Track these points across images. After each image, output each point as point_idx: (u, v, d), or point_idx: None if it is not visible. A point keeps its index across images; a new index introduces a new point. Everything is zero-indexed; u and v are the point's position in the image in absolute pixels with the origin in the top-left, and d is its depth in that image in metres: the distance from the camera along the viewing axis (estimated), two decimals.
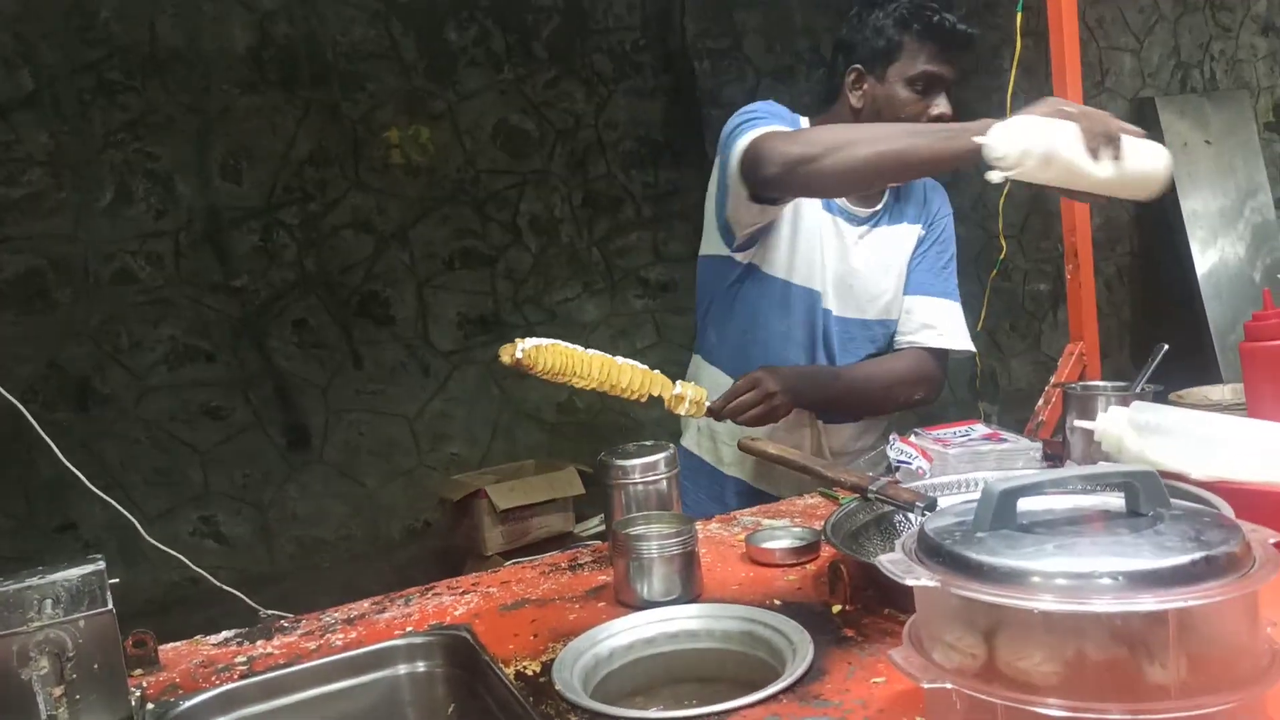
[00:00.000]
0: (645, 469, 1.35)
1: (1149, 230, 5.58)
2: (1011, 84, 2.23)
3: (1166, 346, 1.49)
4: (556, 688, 0.98)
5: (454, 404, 3.98)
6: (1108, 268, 5.55)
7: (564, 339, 1.37)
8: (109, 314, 3.48)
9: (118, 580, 1.03)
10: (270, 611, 1.47)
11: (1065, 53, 1.81)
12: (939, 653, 0.76)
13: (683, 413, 1.48)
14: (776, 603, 1.16)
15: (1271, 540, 0.73)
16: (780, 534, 1.39)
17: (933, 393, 1.72)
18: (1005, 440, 1.53)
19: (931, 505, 1.19)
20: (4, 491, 3.32)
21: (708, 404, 1.51)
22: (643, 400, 1.45)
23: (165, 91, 3.49)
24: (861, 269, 1.71)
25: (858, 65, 1.65)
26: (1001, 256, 2.24)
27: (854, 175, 1.40)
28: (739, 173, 1.54)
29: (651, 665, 1.13)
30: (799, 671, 0.95)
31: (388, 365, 3.88)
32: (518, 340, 1.35)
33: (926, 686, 0.74)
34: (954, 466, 1.48)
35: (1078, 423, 1.36)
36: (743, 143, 1.52)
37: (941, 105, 1.61)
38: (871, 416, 1.74)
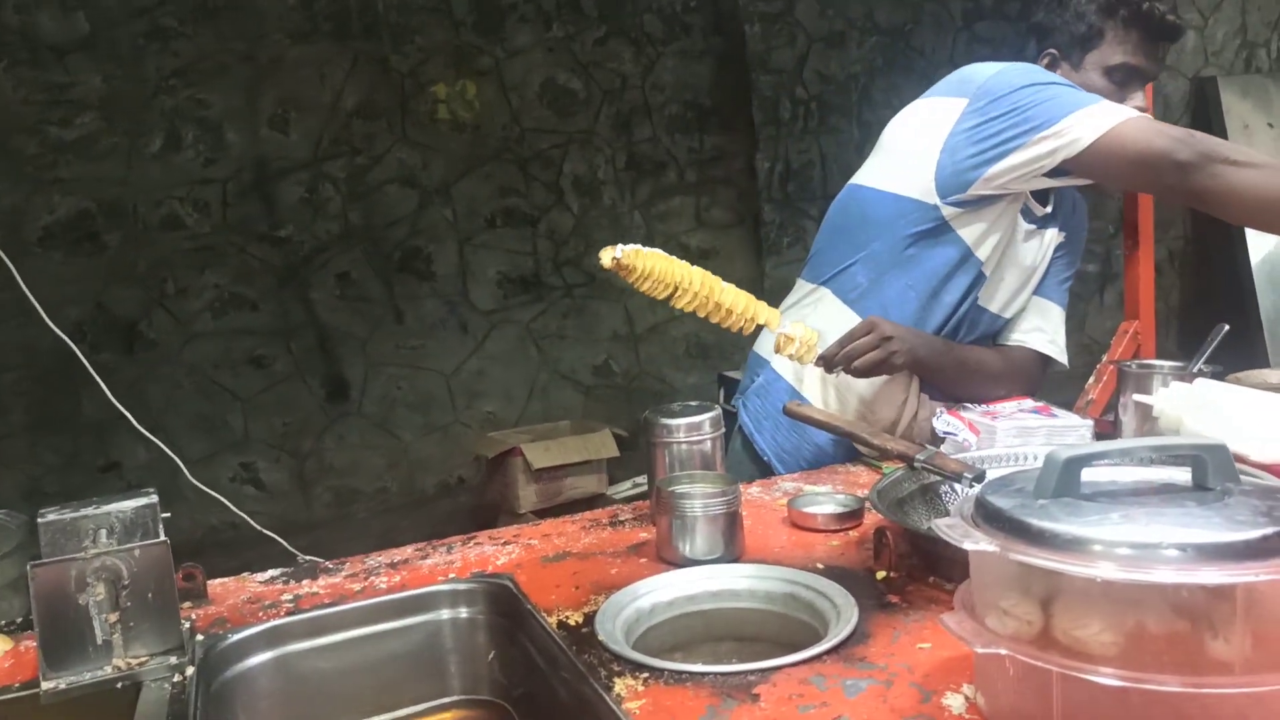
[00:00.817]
0: (690, 429, 1.35)
1: (1203, 214, 5.45)
2: None
3: (1227, 327, 1.46)
4: (599, 638, 0.99)
5: (491, 362, 4.00)
6: (1159, 251, 5.43)
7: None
8: (156, 259, 3.53)
9: (169, 515, 1.05)
10: (308, 558, 1.50)
11: None
12: (993, 619, 0.75)
13: (790, 355, 1.39)
14: (819, 566, 1.16)
15: None
16: (823, 499, 1.38)
17: (1025, 395, 1.63)
18: (1055, 416, 1.50)
19: (980, 477, 1.18)
20: (52, 429, 3.40)
21: (819, 349, 1.41)
22: (745, 330, 1.36)
23: (218, 38, 3.50)
24: (1021, 266, 1.63)
25: (1052, 49, 1.59)
26: None
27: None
28: (1099, 151, 1.38)
29: (692, 622, 1.13)
30: (844, 634, 0.95)
31: (428, 321, 3.90)
32: (618, 244, 1.29)
33: (980, 651, 0.73)
34: (1002, 440, 1.45)
35: (1136, 398, 1.34)
36: (1113, 117, 1.37)
37: (1138, 99, 1.52)
38: (968, 400, 1.68)
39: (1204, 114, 5.35)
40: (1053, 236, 1.68)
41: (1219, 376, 1.44)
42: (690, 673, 0.90)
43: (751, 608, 1.13)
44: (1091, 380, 1.78)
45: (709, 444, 1.36)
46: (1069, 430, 1.48)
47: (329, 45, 3.66)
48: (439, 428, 3.95)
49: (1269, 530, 0.66)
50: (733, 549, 1.20)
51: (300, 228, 3.69)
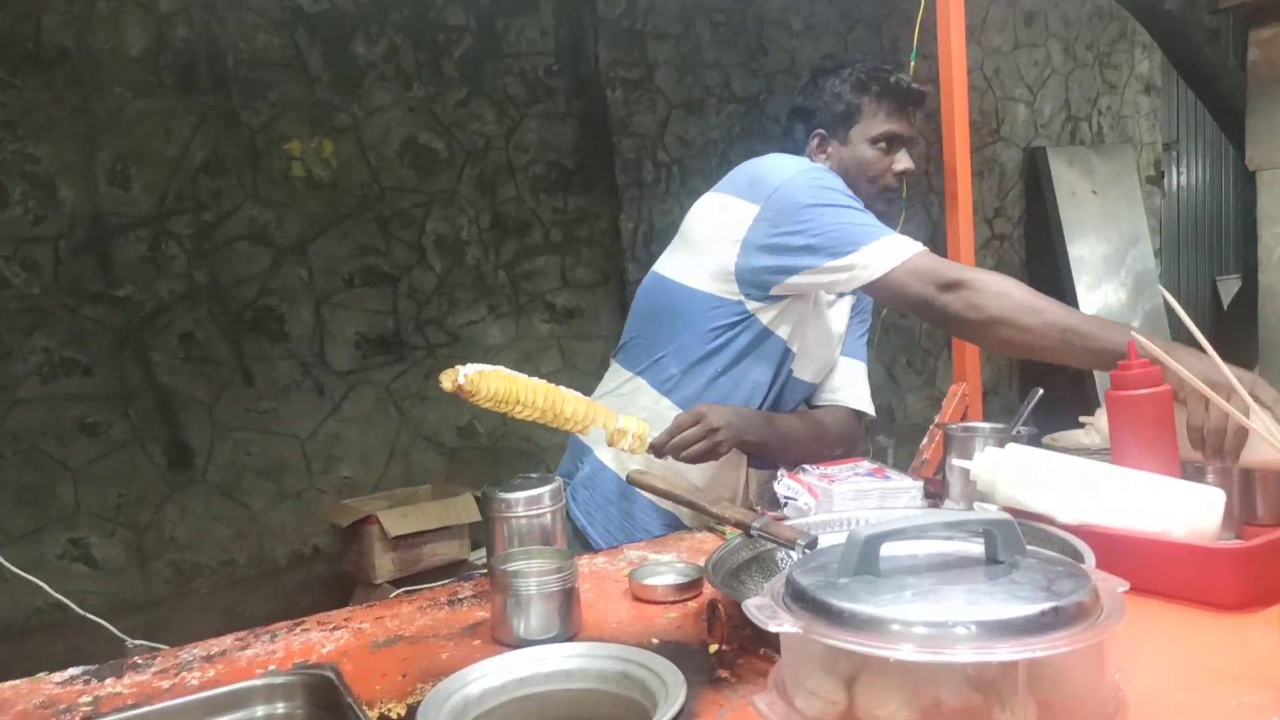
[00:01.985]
0: (529, 502, 1.33)
1: (1039, 273, 5.83)
2: None
3: (1041, 391, 1.55)
4: None
5: (349, 425, 3.87)
6: None
7: (468, 361, 1.33)
8: None
9: None
10: (138, 641, 1.39)
11: (954, 103, 1.88)
12: (801, 699, 0.75)
13: (624, 448, 1.46)
14: (654, 641, 1.15)
15: (1120, 589, 0.76)
16: (664, 570, 1.38)
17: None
18: (889, 478, 1.55)
19: (812, 544, 1.19)
20: None
21: (649, 437, 1.48)
22: (583, 432, 1.43)
23: (49, 90, 3.33)
24: (829, 333, 1.76)
25: (820, 130, 1.72)
26: None
27: (1024, 345, 1.47)
28: (879, 286, 1.55)
29: (524, 706, 1.09)
30: (669, 714, 0.94)
31: (280, 383, 3.75)
32: (459, 366, 1.31)
33: None
34: (838, 503, 1.49)
35: (956, 462, 1.40)
36: (897, 255, 1.54)
37: (904, 160, 1.69)
38: (795, 464, 1.74)
39: (1035, 181, 5.76)
40: (850, 298, 1.80)
41: (1035, 439, 1.53)
42: None
43: (585, 688, 1.10)
44: (925, 441, 1.86)
45: (549, 517, 1.34)
46: (901, 492, 1.53)
47: (174, 99, 3.53)
48: (292, 494, 3.78)
49: (1046, 606, 0.69)
50: (568, 627, 1.18)
51: (141, 287, 3.51)
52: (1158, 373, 1.25)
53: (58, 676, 1.19)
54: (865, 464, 1.65)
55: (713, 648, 1.12)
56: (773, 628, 0.75)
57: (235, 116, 3.64)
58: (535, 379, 1.37)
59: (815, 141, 1.73)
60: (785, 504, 1.56)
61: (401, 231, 3.99)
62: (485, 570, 1.47)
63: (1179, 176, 6.75)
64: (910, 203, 2.50)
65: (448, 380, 1.30)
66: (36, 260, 3.36)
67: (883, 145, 1.67)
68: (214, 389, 3.65)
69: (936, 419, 1.89)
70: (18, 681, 1.18)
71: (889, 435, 5.09)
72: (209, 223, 3.61)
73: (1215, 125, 4.67)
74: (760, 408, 1.71)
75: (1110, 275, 5.74)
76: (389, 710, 1.01)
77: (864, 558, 0.77)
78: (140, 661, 1.22)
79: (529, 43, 4.23)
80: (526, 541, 1.31)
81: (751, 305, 1.65)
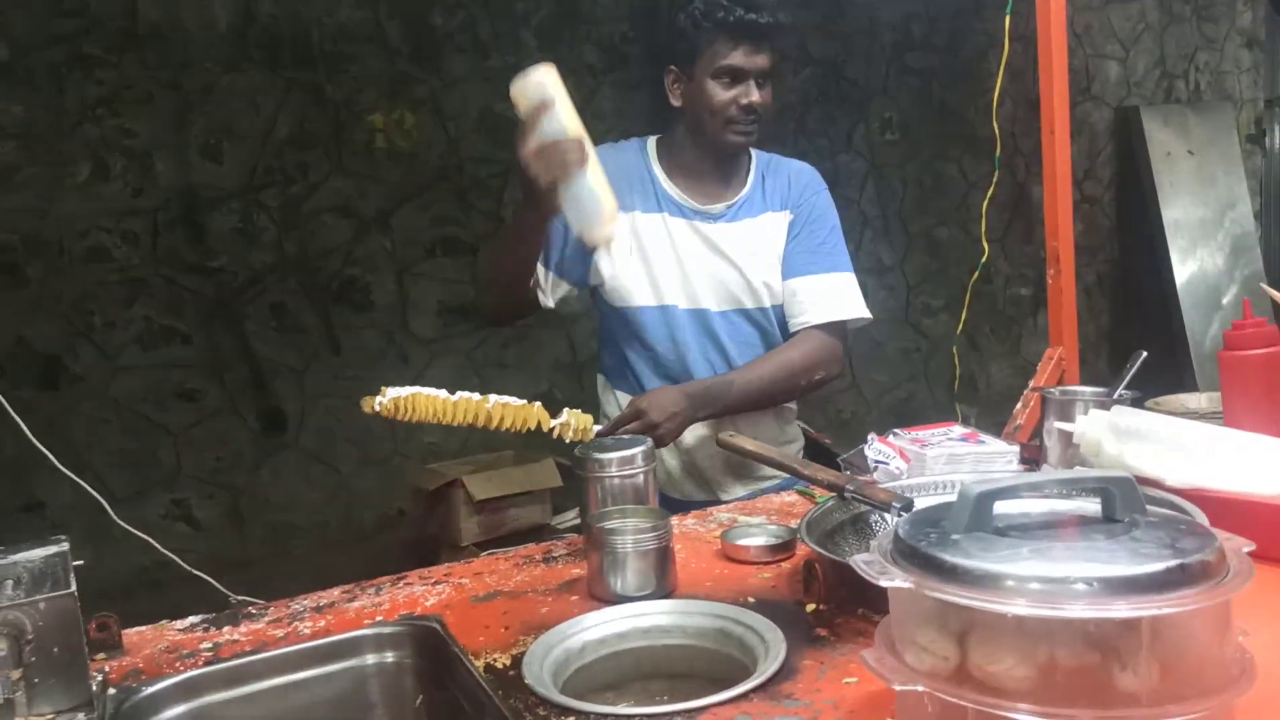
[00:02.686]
0: (622, 463, 1.34)
1: (1130, 238, 5.62)
2: (998, 88, 2.23)
3: (1145, 354, 1.50)
4: (526, 681, 0.97)
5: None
6: (1088, 274, 5.59)
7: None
8: (82, 292, 3.42)
9: (83, 562, 1.01)
10: (240, 597, 1.46)
11: (1053, 58, 1.81)
12: (911, 655, 0.75)
13: (569, 439, 1.49)
14: (750, 600, 1.16)
15: (1245, 549, 0.73)
16: (756, 531, 1.38)
17: (833, 369, 1.74)
18: (983, 442, 1.52)
19: (908, 506, 1.19)
20: None
21: (594, 430, 1.51)
22: (526, 431, 1.48)
23: (144, 67, 3.43)
24: (731, 260, 1.73)
25: (672, 67, 1.71)
26: (984, 259, 2.24)
27: None
28: None
29: (622, 660, 1.12)
30: (770, 670, 0.95)
31: (366, 352, 3.84)
32: (383, 388, 1.40)
33: (898, 689, 0.73)
34: (931, 468, 1.47)
35: (1056, 425, 1.37)
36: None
37: (752, 94, 1.65)
38: (779, 404, 1.77)
39: (1127, 141, 5.54)
40: (773, 220, 1.74)
41: (1139, 402, 1.48)
42: (616, 715, 0.89)
43: (682, 644, 1.12)
44: (1019, 406, 1.82)
45: (641, 477, 1.36)
46: (995, 457, 1.50)
47: (261, 73, 3.61)
48: (378, 460, 3.88)
49: (1172, 563, 0.68)
50: (664, 584, 1.19)
51: (233, 258, 3.62)
52: (1273, 331, 1.20)
53: (179, 624, 1.25)
54: (958, 428, 1.62)
55: (809, 607, 1.12)
56: (883, 583, 0.74)
57: (320, 90, 3.71)
58: (460, 394, 1.43)
59: (669, 79, 1.72)
60: (875, 468, 1.55)
61: (480, 201, 4.03)
62: (569, 534, 1.52)
63: None
64: (996, 166, 2.43)
65: (367, 405, 1.41)
66: (136, 232, 3.48)
67: (725, 80, 1.64)
68: (304, 357, 3.75)
69: (1032, 383, 1.84)
70: (143, 628, 1.24)
71: (972, 404, 4.99)
72: (296, 195, 3.70)
73: None
74: (704, 361, 1.72)
75: (1206, 239, 5.50)
76: (494, 660, 1.04)
77: (977, 514, 0.76)
78: (254, 611, 1.27)
79: (604, 9, 4.21)
80: (620, 501, 1.33)
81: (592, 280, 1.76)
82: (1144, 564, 0.68)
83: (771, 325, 1.77)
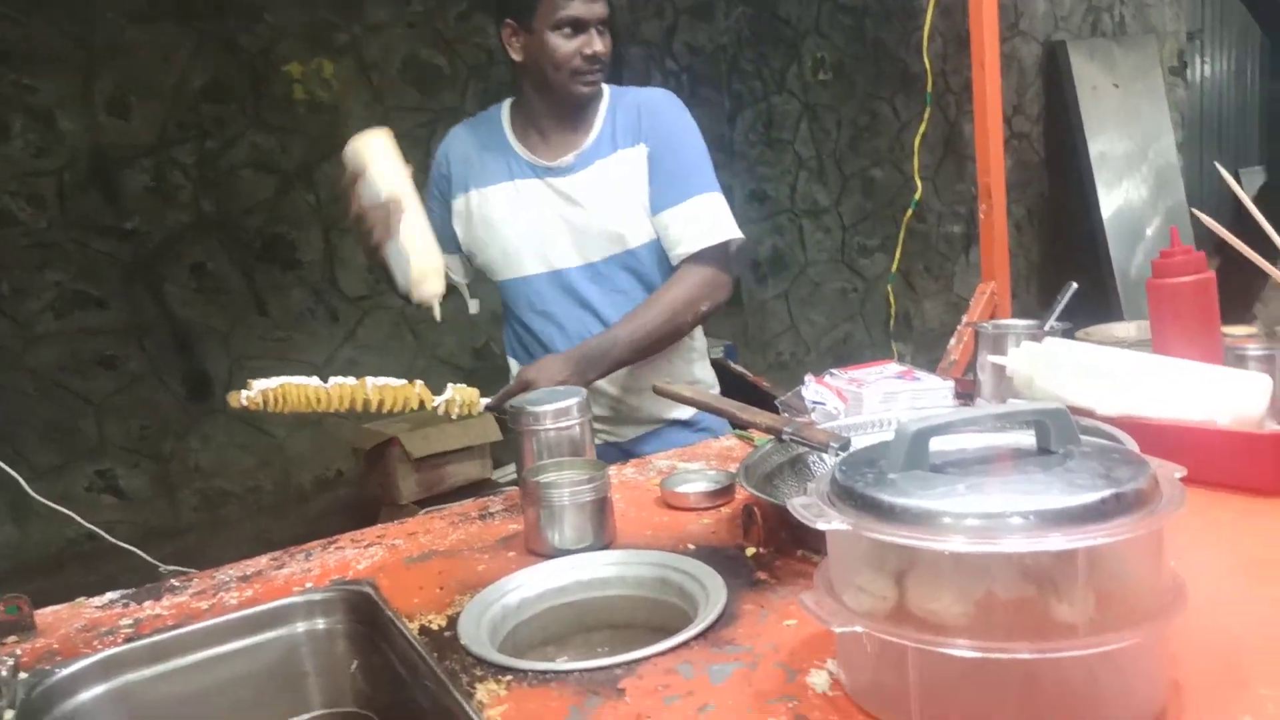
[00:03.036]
0: (557, 415, 1.31)
1: (1058, 172, 5.70)
2: (928, 23, 2.21)
3: (1075, 285, 1.51)
4: (461, 641, 0.95)
5: (365, 351, 3.86)
6: (1018, 210, 5.67)
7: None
8: None
9: (4, 539, 0.95)
10: (171, 567, 1.41)
11: None
12: (850, 596, 0.74)
13: (456, 415, 1.48)
14: (690, 547, 1.14)
15: (1178, 475, 0.73)
16: (695, 477, 1.37)
17: (719, 295, 1.69)
18: (918, 379, 1.52)
19: (845, 445, 1.17)
20: None
21: (482, 402, 1.49)
22: (406, 412, 1.47)
23: (47, 21, 3.23)
24: (587, 210, 1.68)
25: (509, 20, 1.64)
26: (916, 197, 2.24)
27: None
28: None
29: (563, 614, 1.10)
30: (711, 617, 0.94)
31: (294, 312, 3.73)
32: (248, 383, 1.37)
33: (837, 630, 0.72)
34: (868, 406, 1.47)
35: (990, 359, 1.37)
36: None
37: (595, 44, 1.60)
38: (670, 346, 1.73)
39: (1055, 76, 5.59)
40: (630, 156, 1.68)
41: (1069, 334, 1.49)
42: (554, 671, 0.87)
43: (622, 595, 1.11)
44: (953, 341, 1.83)
45: (577, 429, 1.33)
46: (931, 392, 1.51)
47: (171, 25, 3.42)
48: (312, 421, 3.79)
49: (1107, 493, 0.67)
50: (602, 535, 1.17)
51: (148, 219, 3.46)
52: (1200, 259, 1.21)
53: (97, 600, 1.20)
54: (894, 366, 1.62)
55: (749, 551, 1.11)
56: (820, 525, 0.73)
57: (233, 41, 3.54)
58: (335, 380, 1.40)
59: (506, 33, 1.65)
60: (813, 409, 1.54)
61: (409, 153, 3.89)
62: (510, 488, 1.49)
63: (1203, 67, 6.54)
64: (928, 103, 2.41)
65: (234, 401, 1.37)
66: (42, 195, 3.31)
67: (566, 30, 1.59)
68: (229, 319, 3.63)
69: (965, 318, 1.85)
70: (58, 606, 1.19)
71: (907, 342, 5.06)
72: (212, 150, 3.54)
73: (1243, 9, 4.50)
74: (576, 321, 1.71)
75: (1131, 172, 5.61)
76: (429, 622, 1.01)
77: (913, 452, 0.75)
78: (177, 584, 1.22)
79: None
80: (556, 453, 1.30)
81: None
82: (1078, 495, 0.67)
83: (647, 265, 1.71)
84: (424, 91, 3.92)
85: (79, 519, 1.70)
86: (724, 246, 1.68)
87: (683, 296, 1.65)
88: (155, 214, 3.47)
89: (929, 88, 1.86)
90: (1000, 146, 1.85)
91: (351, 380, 1.39)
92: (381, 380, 1.41)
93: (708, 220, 1.66)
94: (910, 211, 2.25)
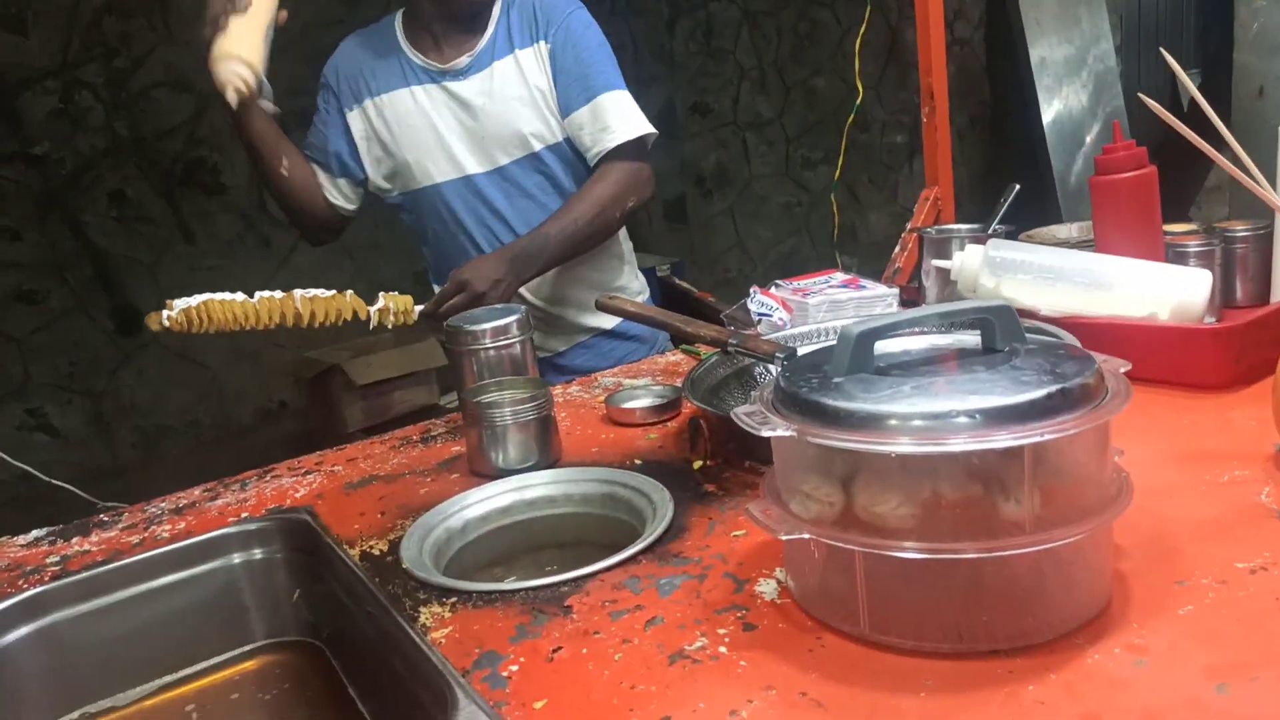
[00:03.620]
0: (496, 333, 1.27)
1: (1000, 79, 5.67)
2: None
3: (1018, 186, 1.49)
4: (404, 565, 0.92)
5: (300, 278, 3.67)
6: (959, 118, 5.64)
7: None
8: None
9: None
10: (110, 504, 1.35)
11: None
12: (797, 503, 0.73)
13: (391, 324, 1.43)
14: (637, 462, 1.13)
15: (1123, 370, 0.72)
16: (640, 393, 1.35)
17: (644, 192, 1.66)
18: (864, 287, 1.51)
19: (791, 355, 1.16)
20: None
21: (417, 309, 1.44)
22: (340, 324, 1.41)
23: None
24: (488, 112, 1.63)
25: None
26: (858, 102, 2.19)
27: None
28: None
29: (509, 535, 1.08)
30: (659, 530, 0.92)
31: (223, 238, 3.60)
32: (167, 303, 1.28)
33: (784, 538, 0.71)
34: (813, 316, 1.45)
35: (935, 263, 1.36)
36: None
37: None
38: (601, 243, 1.70)
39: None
40: (529, 56, 1.63)
41: (1012, 236, 1.48)
42: (499, 591, 0.86)
43: (569, 512, 1.09)
44: (897, 249, 1.81)
45: (518, 347, 1.29)
46: (877, 300, 1.49)
47: None
48: (250, 353, 3.69)
49: (1053, 388, 0.66)
50: (548, 455, 1.15)
51: (58, 144, 3.28)
52: (1142, 154, 1.20)
53: (21, 539, 1.15)
54: (839, 275, 1.60)
55: (696, 464, 1.10)
56: (765, 433, 0.71)
57: None
58: (261, 294, 1.33)
59: None
60: (759, 320, 1.52)
61: None
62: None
63: None
64: (868, 3, 2.34)
65: (154, 323, 1.30)
66: None
67: None
68: (154, 249, 3.49)
69: (910, 224, 1.83)
70: None
71: (853, 254, 5.07)
72: (121, 69, 3.35)
73: None
74: (484, 231, 1.67)
75: (1071, 77, 5.60)
76: (370, 547, 0.99)
77: (857, 356, 0.73)
78: (106, 519, 1.18)
79: None
80: (497, 373, 1.26)
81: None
82: (1024, 391, 0.66)
83: (559, 166, 1.67)
84: (347, 3, 3.74)
85: (8, 459, 1.64)
86: (641, 142, 1.64)
87: (609, 192, 1.61)
88: (65, 138, 3.30)
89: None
90: (942, 46, 1.82)
91: (279, 293, 1.32)
92: (311, 291, 1.35)
93: (622, 117, 1.62)
94: (851, 118, 2.21)
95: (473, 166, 1.65)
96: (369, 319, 1.40)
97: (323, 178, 1.69)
